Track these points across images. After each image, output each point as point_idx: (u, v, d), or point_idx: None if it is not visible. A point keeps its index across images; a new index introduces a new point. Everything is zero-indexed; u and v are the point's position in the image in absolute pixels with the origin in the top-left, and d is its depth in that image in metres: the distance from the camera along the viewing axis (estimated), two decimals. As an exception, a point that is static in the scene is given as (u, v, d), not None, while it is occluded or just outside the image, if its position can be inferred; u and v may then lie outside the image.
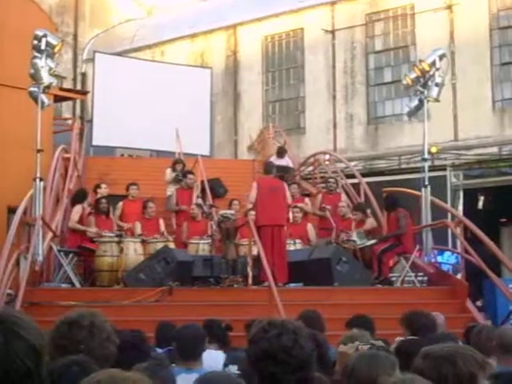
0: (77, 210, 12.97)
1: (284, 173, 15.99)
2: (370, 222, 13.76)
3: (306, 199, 15.45)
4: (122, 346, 3.27)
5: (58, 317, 3.27)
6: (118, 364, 3.07)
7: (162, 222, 13.95)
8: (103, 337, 3.12)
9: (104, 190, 14.82)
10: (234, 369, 4.70)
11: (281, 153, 17.77)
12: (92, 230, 12.92)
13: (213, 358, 5.77)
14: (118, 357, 3.17)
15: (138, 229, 13.53)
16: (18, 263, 10.63)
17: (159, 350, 6.09)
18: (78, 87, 25.41)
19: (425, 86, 13.01)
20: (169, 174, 16.10)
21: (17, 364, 2.02)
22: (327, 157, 19.07)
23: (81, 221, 12.96)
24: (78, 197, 13.44)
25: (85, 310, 3.32)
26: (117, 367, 2.79)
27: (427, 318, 6.44)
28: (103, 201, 13.63)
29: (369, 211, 14.51)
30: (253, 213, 12.42)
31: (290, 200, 13.28)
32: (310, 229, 14.29)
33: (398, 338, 4.09)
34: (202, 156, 18.41)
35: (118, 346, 3.21)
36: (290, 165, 17.89)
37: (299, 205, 14.53)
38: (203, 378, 2.92)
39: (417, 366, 2.86)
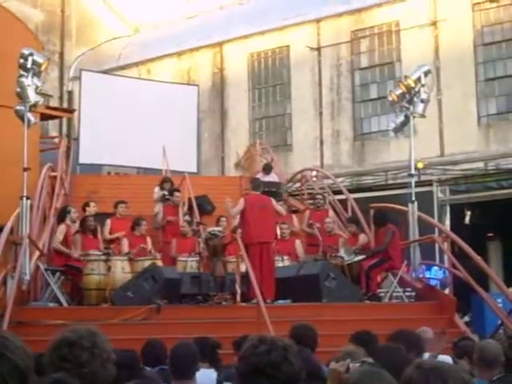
0: (60, 230, 12.87)
1: (274, 188, 16.00)
2: (363, 238, 13.73)
3: (293, 216, 15.46)
4: (115, 364, 3.23)
5: (54, 335, 3.19)
6: (113, 381, 3.06)
7: (149, 239, 13.92)
8: (104, 357, 3.07)
9: (92, 209, 14.78)
10: (228, 386, 4.69)
11: (267, 169, 17.78)
12: (75, 253, 12.76)
13: (206, 377, 5.75)
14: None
15: (126, 246, 13.47)
16: (4, 282, 10.57)
17: (148, 369, 6.06)
18: (65, 105, 25.38)
19: (410, 102, 13.07)
20: (157, 192, 16.09)
21: None
22: (314, 173, 19.11)
23: (66, 240, 12.85)
24: (61, 215, 13.37)
25: (83, 328, 3.23)
26: None
27: (413, 336, 6.41)
28: (90, 219, 13.58)
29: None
30: (240, 230, 12.40)
31: (283, 212, 13.29)
32: (298, 245, 14.30)
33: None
34: (189, 173, 18.39)
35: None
36: (276, 179, 17.89)
37: (287, 223, 14.55)
38: None
39: (407, 375, 2.86)
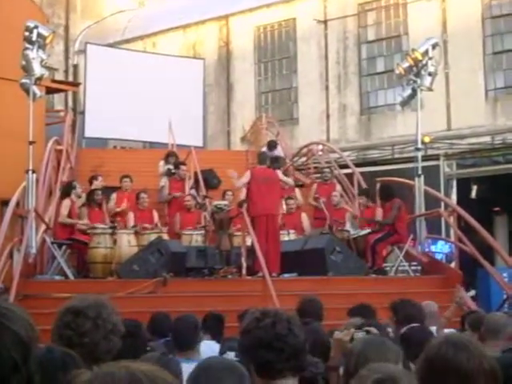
0: (65, 204, 12.89)
1: (275, 163, 15.97)
2: (379, 212, 13.60)
3: (297, 190, 15.44)
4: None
5: (62, 304, 3.20)
6: (117, 352, 3.06)
7: (155, 213, 13.92)
8: (108, 328, 3.07)
9: (100, 183, 14.82)
10: (231, 355, 4.71)
11: (272, 146, 17.72)
12: (83, 222, 12.87)
13: (209, 348, 5.78)
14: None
15: (131, 220, 13.49)
16: (11, 256, 10.60)
17: (155, 341, 6.08)
18: (70, 79, 25.29)
19: (417, 75, 12.99)
20: (162, 166, 16.10)
21: (3, 357, 1.97)
22: (320, 147, 19.06)
23: (70, 214, 12.88)
24: (66, 190, 13.38)
25: (92, 297, 3.24)
26: (116, 356, 2.75)
27: (413, 307, 6.43)
28: (98, 192, 13.60)
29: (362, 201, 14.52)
30: (245, 204, 12.39)
31: (292, 183, 13.24)
32: (304, 219, 14.30)
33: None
34: (195, 147, 18.36)
35: None
36: (282, 154, 17.86)
37: (296, 192, 14.57)
38: (203, 363, 2.92)
39: (435, 348, 2.83)
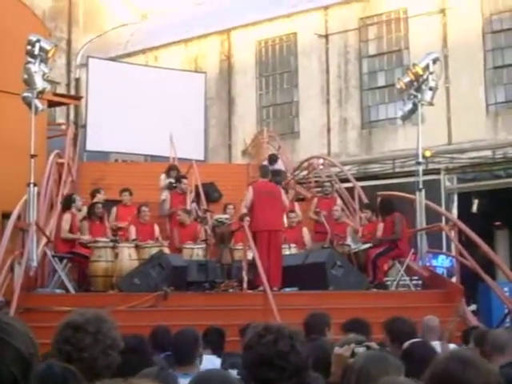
0: (66, 219, 12.87)
1: (277, 176, 15.98)
2: (380, 228, 13.59)
3: (296, 205, 15.43)
4: (124, 350, 3.22)
5: (63, 318, 3.20)
6: (121, 368, 3.05)
7: (156, 227, 13.92)
8: (107, 343, 3.06)
9: (102, 196, 14.82)
10: (233, 373, 4.69)
11: (273, 160, 17.74)
12: (84, 237, 12.85)
13: (210, 363, 5.77)
14: (121, 361, 3.12)
15: (133, 233, 13.48)
16: (12, 269, 10.59)
17: (156, 356, 6.07)
18: (72, 92, 25.35)
19: (418, 89, 13.01)
20: (163, 180, 16.11)
21: (2, 372, 1.97)
22: (321, 161, 19.08)
23: (71, 228, 12.88)
24: (66, 203, 13.38)
25: (92, 312, 3.23)
26: (120, 372, 2.74)
27: (404, 324, 6.39)
28: (99, 206, 13.61)
29: (363, 216, 14.52)
30: (247, 218, 12.39)
31: (287, 203, 13.24)
32: (305, 233, 14.29)
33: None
34: (197, 161, 18.39)
35: (121, 350, 3.15)
36: (282, 168, 17.88)
37: (296, 208, 14.57)
38: (200, 376, 2.91)
39: (441, 366, 2.82)
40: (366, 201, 15.04)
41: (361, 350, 3.72)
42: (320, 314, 6.90)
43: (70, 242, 12.77)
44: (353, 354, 3.63)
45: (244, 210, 12.54)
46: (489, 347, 5.36)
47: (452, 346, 6.96)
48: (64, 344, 3.03)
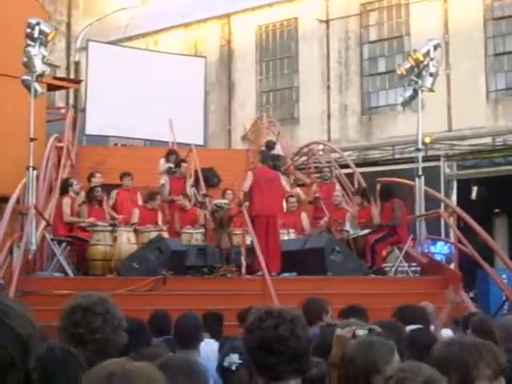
0: (66, 203, 12.88)
1: (276, 161, 15.95)
2: (375, 212, 13.59)
3: (298, 189, 15.44)
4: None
5: (67, 301, 3.21)
6: (122, 350, 3.08)
7: (160, 214, 13.82)
8: (116, 324, 3.09)
9: (98, 180, 14.76)
10: (235, 358, 4.69)
11: (270, 146, 17.71)
12: (88, 220, 12.84)
13: (209, 347, 5.80)
14: None
15: (136, 216, 13.39)
16: (11, 252, 10.61)
17: (154, 339, 6.08)
18: (72, 76, 25.30)
19: (419, 75, 12.98)
20: (162, 164, 16.10)
21: (1, 354, 1.97)
22: (321, 147, 19.06)
23: (71, 211, 12.90)
24: (63, 187, 13.38)
25: (96, 294, 3.23)
26: (119, 355, 2.76)
27: (417, 311, 6.43)
28: (98, 189, 13.57)
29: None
30: (246, 203, 12.40)
31: (288, 188, 13.23)
32: (304, 218, 14.29)
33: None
34: (196, 145, 18.36)
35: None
36: (281, 153, 17.84)
37: (297, 190, 14.58)
38: (161, 362, 2.91)
39: (441, 351, 2.82)
40: (364, 185, 15.02)
41: (361, 332, 3.73)
42: (317, 299, 6.92)
43: (69, 226, 12.78)
44: (354, 336, 3.65)
45: (243, 195, 12.54)
46: (499, 336, 5.33)
47: (447, 331, 6.99)
48: (75, 327, 3.05)
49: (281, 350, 2.84)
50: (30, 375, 2.06)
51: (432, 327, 6.65)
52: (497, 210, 19.81)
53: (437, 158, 18.97)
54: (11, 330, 1.99)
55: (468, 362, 2.71)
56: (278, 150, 17.78)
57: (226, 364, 4.69)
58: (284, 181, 13.16)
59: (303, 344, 2.91)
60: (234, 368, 4.62)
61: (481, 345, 2.82)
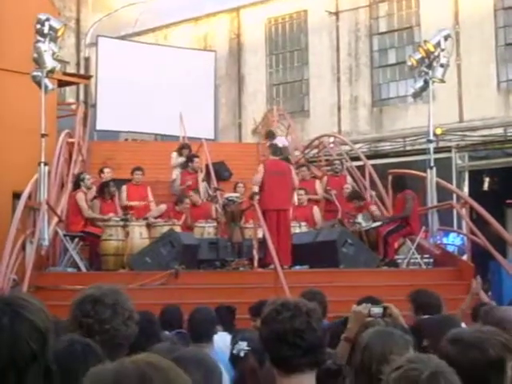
0: (81, 198, 12.92)
1: (285, 153, 15.89)
2: (374, 209, 13.60)
3: (317, 182, 15.33)
4: None
5: (77, 295, 3.21)
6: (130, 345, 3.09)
7: (184, 216, 13.84)
8: (126, 315, 3.10)
9: (107, 175, 14.79)
10: (243, 345, 4.72)
11: (270, 136, 17.63)
12: (105, 217, 12.86)
13: (222, 340, 5.83)
14: None
15: (155, 211, 13.48)
16: (23, 248, 10.64)
17: (166, 333, 6.10)
18: (82, 72, 25.32)
19: (430, 66, 12.94)
20: (175, 158, 16.12)
21: (22, 346, 1.99)
22: (332, 139, 19.02)
23: (85, 206, 12.96)
24: (76, 182, 13.45)
25: (106, 285, 3.24)
26: (131, 348, 2.76)
27: (432, 297, 6.46)
28: (111, 184, 13.59)
29: (374, 194, 14.51)
30: (257, 196, 12.38)
31: (296, 183, 13.21)
32: (316, 211, 14.27)
33: None
34: (207, 140, 18.37)
35: None
36: (285, 143, 17.69)
37: (317, 184, 14.57)
38: (178, 355, 2.92)
39: (444, 351, 2.82)
40: (376, 179, 14.98)
41: (376, 310, 3.76)
42: (313, 292, 6.92)
43: (81, 221, 12.81)
44: (369, 313, 3.67)
45: (255, 189, 12.53)
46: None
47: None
48: (85, 318, 3.07)
49: (296, 342, 2.85)
50: (50, 367, 2.08)
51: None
52: (509, 201, 19.71)
53: (448, 150, 18.90)
54: (30, 322, 2.03)
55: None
56: (281, 141, 17.58)
57: (235, 352, 4.74)
58: (293, 174, 13.11)
59: (318, 336, 2.92)
60: (242, 355, 4.66)
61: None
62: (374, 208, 13.62)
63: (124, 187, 14.40)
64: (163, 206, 13.68)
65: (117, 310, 3.07)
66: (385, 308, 3.86)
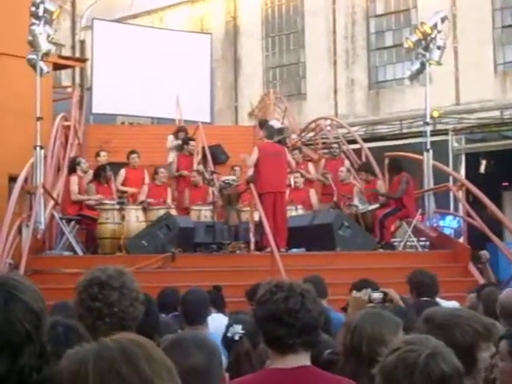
0: (74, 181, 12.89)
1: (281, 135, 15.80)
2: (380, 184, 13.58)
3: (309, 164, 15.37)
4: None
5: (82, 277, 3.20)
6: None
7: (169, 190, 13.85)
8: (133, 296, 3.12)
9: (103, 158, 14.78)
10: (238, 328, 4.72)
11: (262, 125, 17.52)
12: (95, 197, 12.89)
13: (216, 322, 5.81)
14: None
15: (144, 193, 13.40)
16: (20, 231, 10.64)
17: (163, 316, 6.10)
18: (77, 55, 25.23)
19: (426, 48, 12.90)
20: (171, 141, 16.09)
21: (16, 327, 2.00)
22: (328, 122, 18.97)
23: (79, 190, 12.89)
24: (71, 166, 13.41)
25: (111, 267, 3.24)
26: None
27: (425, 276, 6.52)
28: (107, 168, 13.57)
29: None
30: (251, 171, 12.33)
31: (293, 165, 13.19)
32: (312, 194, 14.26)
33: None
34: (203, 123, 18.33)
35: None
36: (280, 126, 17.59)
37: (301, 171, 14.48)
38: (174, 338, 2.93)
39: (417, 328, 2.85)
40: (373, 161, 14.97)
41: (376, 295, 3.78)
42: (317, 276, 6.94)
43: (77, 205, 12.80)
44: (369, 299, 3.69)
45: (250, 172, 12.51)
46: (500, 313, 5.30)
47: (453, 303, 7.00)
48: (93, 301, 3.07)
49: (290, 323, 2.88)
50: (45, 348, 2.09)
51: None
52: (505, 184, 19.73)
53: (445, 132, 18.88)
54: (24, 304, 2.04)
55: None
56: (274, 122, 17.41)
57: (229, 334, 4.74)
58: (289, 156, 13.09)
59: (313, 317, 2.93)
60: (236, 338, 4.66)
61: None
62: (380, 183, 13.52)
63: (122, 171, 14.36)
64: (145, 187, 13.62)
65: (124, 293, 3.10)
66: (385, 293, 3.86)
